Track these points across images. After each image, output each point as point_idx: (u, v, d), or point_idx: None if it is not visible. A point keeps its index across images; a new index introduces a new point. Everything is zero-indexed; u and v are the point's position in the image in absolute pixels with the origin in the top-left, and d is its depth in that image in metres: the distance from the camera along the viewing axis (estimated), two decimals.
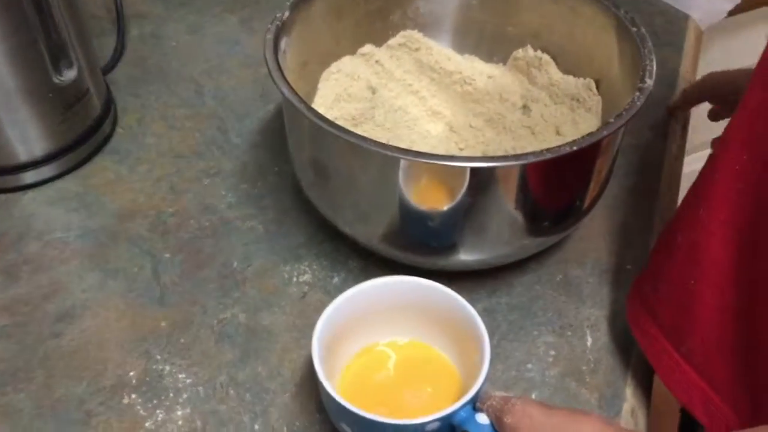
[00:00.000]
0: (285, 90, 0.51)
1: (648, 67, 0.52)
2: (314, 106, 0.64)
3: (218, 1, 0.88)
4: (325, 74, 0.65)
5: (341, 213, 0.55)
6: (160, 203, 0.64)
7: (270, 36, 0.55)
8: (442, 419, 0.44)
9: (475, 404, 0.45)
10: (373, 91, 0.66)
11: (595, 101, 0.62)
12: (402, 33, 0.68)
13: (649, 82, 0.51)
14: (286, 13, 0.57)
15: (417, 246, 0.54)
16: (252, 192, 0.66)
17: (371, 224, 0.54)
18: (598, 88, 0.62)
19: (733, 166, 0.43)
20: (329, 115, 0.64)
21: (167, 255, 0.60)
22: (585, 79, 0.63)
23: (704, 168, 0.46)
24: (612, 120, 0.49)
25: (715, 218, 0.44)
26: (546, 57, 0.65)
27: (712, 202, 0.44)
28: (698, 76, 0.87)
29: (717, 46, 0.99)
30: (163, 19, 0.85)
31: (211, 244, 0.61)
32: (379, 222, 0.53)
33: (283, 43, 0.57)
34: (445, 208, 0.51)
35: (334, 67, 0.66)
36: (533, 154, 0.46)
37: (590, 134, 0.48)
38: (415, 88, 0.68)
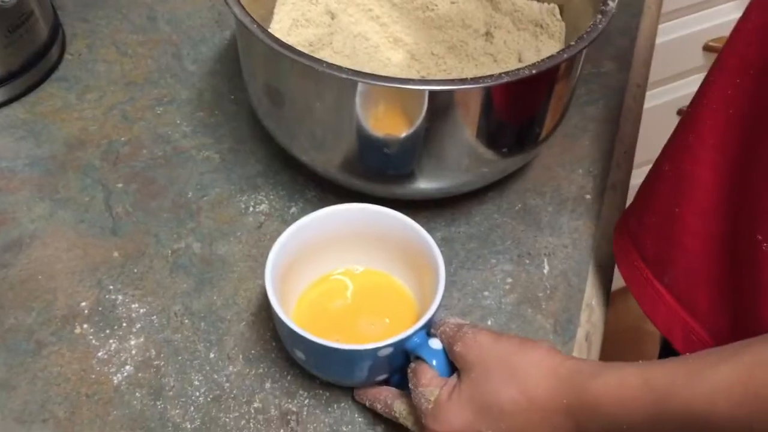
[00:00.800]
0: (237, 11, 0.49)
1: None
2: (271, 30, 0.62)
3: None
4: None
5: (298, 141, 0.53)
6: (111, 132, 0.62)
7: None
8: (395, 344, 0.44)
9: (429, 330, 0.46)
10: (332, 16, 0.64)
11: (559, 27, 0.60)
12: None
13: (612, 5, 0.50)
14: None
15: (375, 174, 0.53)
16: (208, 121, 0.64)
17: (328, 152, 0.53)
18: (561, 13, 0.61)
19: (725, 91, 0.42)
20: (286, 40, 0.62)
21: (119, 185, 0.59)
22: (549, 4, 0.61)
23: (696, 94, 0.46)
24: (573, 43, 0.48)
25: (703, 143, 0.44)
26: None
27: (702, 127, 0.44)
28: (663, 6, 0.86)
29: None
30: None
31: (164, 173, 0.59)
32: (336, 149, 0.52)
33: None
34: (403, 134, 0.50)
35: None
36: (491, 77, 0.45)
37: (550, 57, 0.47)
38: (376, 13, 0.66)
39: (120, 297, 0.52)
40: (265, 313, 0.51)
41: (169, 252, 0.54)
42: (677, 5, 1.04)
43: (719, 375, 0.34)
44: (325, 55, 0.62)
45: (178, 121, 0.64)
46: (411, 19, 0.66)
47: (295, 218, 0.56)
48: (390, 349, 0.44)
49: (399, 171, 0.53)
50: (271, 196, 0.58)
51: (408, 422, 0.45)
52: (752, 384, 0.33)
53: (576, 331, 0.52)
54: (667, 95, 1.17)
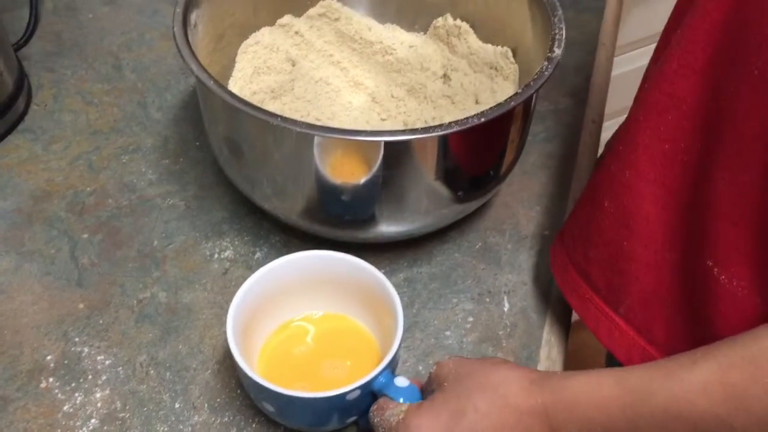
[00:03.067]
0: (194, 67, 0.50)
1: (557, 36, 0.53)
2: (233, 79, 0.64)
3: None
4: (243, 46, 0.64)
5: (258, 189, 0.55)
6: (77, 182, 0.63)
7: (179, 9, 0.54)
8: (362, 387, 0.44)
9: (393, 369, 0.46)
10: (293, 63, 0.65)
11: (512, 69, 0.62)
12: (321, 3, 0.67)
13: (558, 51, 0.52)
14: None
15: (337, 220, 0.54)
16: (173, 168, 0.65)
17: (289, 200, 0.54)
18: (515, 55, 0.63)
19: (657, 128, 0.44)
20: (248, 89, 0.63)
21: (85, 235, 0.59)
22: (502, 47, 0.63)
23: (622, 132, 0.47)
24: (520, 90, 0.49)
25: (643, 178, 0.45)
26: (465, 25, 0.66)
27: (639, 164, 0.45)
28: (618, 42, 0.88)
29: (637, 13, 1.00)
30: None
31: (130, 223, 0.60)
32: (297, 197, 0.53)
33: (194, 16, 0.56)
34: (361, 181, 0.51)
35: (252, 39, 0.65)
36: (441, 126, 0.47)
37: (498, 105, 0.48)
38: (337, 58, 0.68)
39: (86, 349, 0.52)
40: (230, 361, 0.52)
41: (135, 302, 0.55)
42: (633, 38, 1.06)
43: (696, 375, 0.36)
44: (287, 100, 0.63)
45: (144, 169, 0.65)
46: (371, 63, 0.68)
47: (259, 264, 0.57)
48: (357, 392, 0.45)
49: (359, 217, 0.54)
50: (236, 242, 0.59)
51: None
52: (729, 383, 0.35)
53: (536, 367, 0.53)
54: None
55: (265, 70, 0.64)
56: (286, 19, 0.66)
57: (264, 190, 0.54)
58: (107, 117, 0.69)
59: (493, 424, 0.40)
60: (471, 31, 0.65)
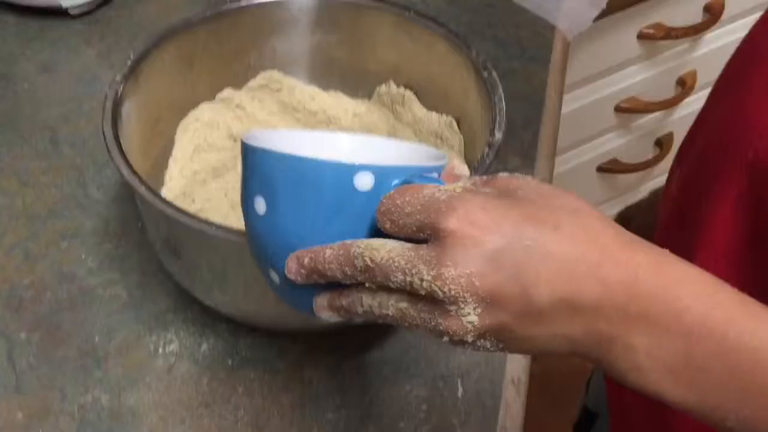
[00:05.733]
0: (125, 172, 0.48)
1: (497, 119, 0.52)
2: (173, 159, 0.62)
3: (74, 32, 0.83)
4: (182, 125, 0.63)
5: (197, 286, 0.53)
6: (13, 274, 0.61)
7: (108, 104, 0.52)
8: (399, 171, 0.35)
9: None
10: (235, 139, 0.64)
11: (458, 140, 0.61)
12: (262, 74, 0.65)
13: (498, 136, 0.51)
14: (120, 77, 0.53)
15: (279, 313, 0.53)
16: (115, 253, 0.63)
17: (229, 296, 0.52)
18: (459, 125, 0.62)
19: None
20: (189, 169, 0.62)
21: (23, 335, 0.57)
22: (447, 117, 0.62)
23: None
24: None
25: None
26: (409, 93, 0.65)
27: None
28: (566, 89, 0.88)
29: (584, 51, 1.00)
30: (14, 57, 0.79)
31: (70, 318, 0.58)
32: (237, 294, 0.52)
33: (126, 109, 0.54)
34: None
35: (192, 116, 0.63)
36: None
37: None
38: (280, 130, 0.66)
39: None
40: None
41: (76, 408, 0.53)
42: (587, 73, 1.07)
43: None
44: (230, 178, 0.62)
45: (84, 256, 0.62)
46: None
47: (206, 356, 0.56)
48: (373, 181, 0.34)
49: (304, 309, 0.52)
50: (182, 333, 0.58)
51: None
52: None
53: None
54: (585, 155, 1.21)
55: (206, 148, 0.63)
56: (227, 92, 0.65)
57: (203, 288, 0.53)
58: (44, 199, 0.66)
59: (570, 251, 0.33)
60: (415, 98, 0.65)
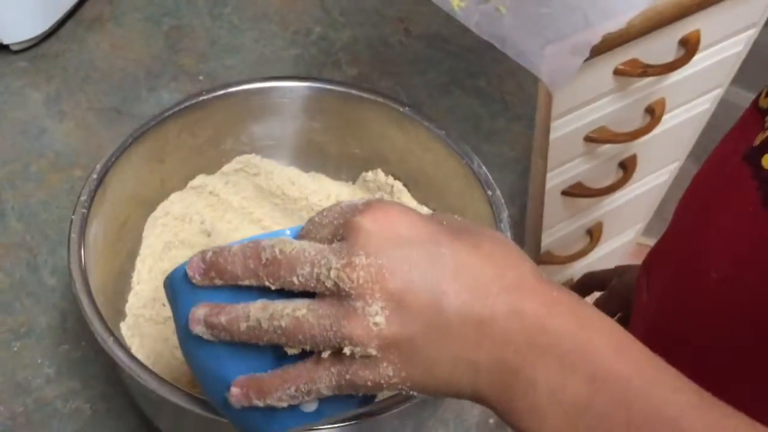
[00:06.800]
0: (99, 330, 0.43)
1: (501, 217, 0.49)
2: (140, 259, 0.56)
3: (17, 72, 0.74)
4: (150, 220, 0.57)
5: (163, 420, 0.48)
6: None
7: (75, 235, 0.46)
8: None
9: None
10: (208, 234, 0.58)
11: None
12: (238, 158, 0.60)
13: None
14: (87, 197, 0.47)
15: None
16: (74, 356, 0.57)
17: None
18: None
19: None
20: (158, 268, 0.56)
21: None
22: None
23: None
24: None
25: None
26: (398, 185, 0.60)
27: None
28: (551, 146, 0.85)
29: (561, 90, 0.97)
30: None
31: None
32: None
33: (93, 226, 0.48)
34: None
35: (161, 209, 0.57)
36: None
37: None
38: (257, 216, 0.61)
39: None
40: None
41: None
42: (561, 109, 1.04)
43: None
44: None
45: (40, 360, 0.57)
46: (294, 219, 0.62)
47: None
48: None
49: None
50: None
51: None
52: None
53: None
54: (551, 181, 1.19)
55: (177, 245, 0.57)
56: (199, 179, 0.59)
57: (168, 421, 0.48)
58: None
59: (488, 269, 0.32)
60: (405, 190, 0.60)
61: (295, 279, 0.32)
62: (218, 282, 0.34)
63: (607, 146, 1.24)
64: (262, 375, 0.34)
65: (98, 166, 0.48)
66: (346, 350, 0.31)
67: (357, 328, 0.31)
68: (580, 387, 0.30)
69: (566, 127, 1.09)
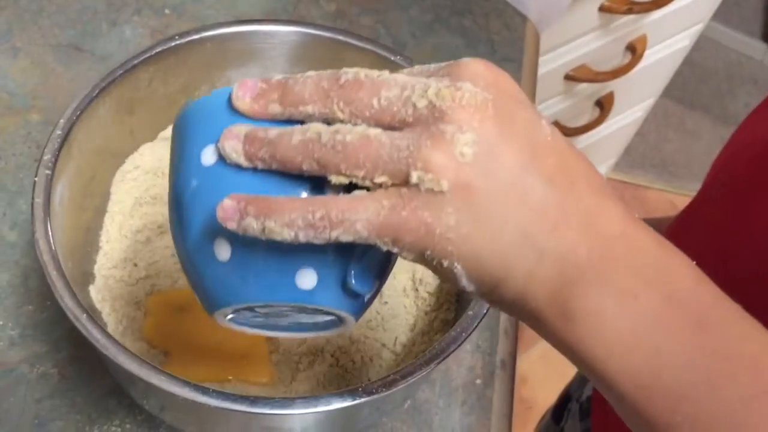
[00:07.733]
0: (70, 307, 0.39)
1: None
2: (108, 216, 0.52)
3: None
4: (119, 174, 0.53)
5: (137, 393, 0.46)
6: None
7: (39, 199, 0.42)
8: None
9: None
10: None
11: None
12: None
13: None
14: (51, 155, 0.43)
15: None
16: (39, 317, 0.54)
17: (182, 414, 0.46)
18: None
19: None
20: (129, 225, 0.53)
21: None
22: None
23: None
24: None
25: None
26: None
27: None
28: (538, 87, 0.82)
29: (549, 30, 0.93)
30: None
31: None
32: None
33: (59, 189, 0.44)
34: None
35: (130, 163, 0.53)
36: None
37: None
38: None
39: None
40: None
41: None
42: (545, 46, 1.00)
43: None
44: None
45: (2, 322, 0.53)
46: None
47: None
48: None
49: None
50: (128, 424, 0.51)
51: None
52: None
53: None
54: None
55: (149, 200, 0.53)
56: (171, 130, 0.54)
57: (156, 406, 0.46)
58: None
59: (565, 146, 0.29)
60: None
61: (375, 102, 0.27)
62: (274, 109, 0.29)
63: (586, 84, 1.21)
64: (276, 197, 0.28)
65: (62, 121, 0.44)
66: (414, 176, 0.27)
67: (438, 153, 0.27)
68: (655, 301, 0.28)
69: (547, 65, 1.06)
